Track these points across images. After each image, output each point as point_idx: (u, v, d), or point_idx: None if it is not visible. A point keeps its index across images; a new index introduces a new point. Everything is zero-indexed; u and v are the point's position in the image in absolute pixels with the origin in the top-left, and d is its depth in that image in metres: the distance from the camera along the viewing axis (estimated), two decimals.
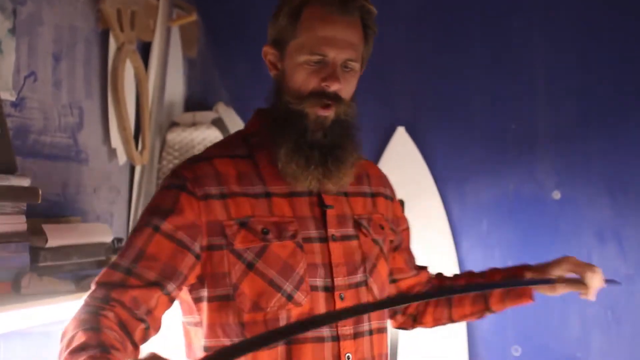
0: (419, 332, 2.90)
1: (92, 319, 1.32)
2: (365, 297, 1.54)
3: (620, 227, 2.93)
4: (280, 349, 1.43)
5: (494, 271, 1.83)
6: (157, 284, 1.41)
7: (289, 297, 1.45)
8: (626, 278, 2.90)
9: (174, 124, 3.03)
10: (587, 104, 2.98)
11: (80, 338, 1.26)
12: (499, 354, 2.99)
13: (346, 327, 1.49)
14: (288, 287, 1.45)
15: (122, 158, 2.67)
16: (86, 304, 1.39)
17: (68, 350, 1.26)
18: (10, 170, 1.88)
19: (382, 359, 1.58)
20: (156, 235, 1.44)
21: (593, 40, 2.98)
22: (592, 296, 1.71)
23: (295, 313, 1.45)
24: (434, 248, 3.05)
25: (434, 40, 3.17)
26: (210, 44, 3.22)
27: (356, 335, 1.50)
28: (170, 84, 3.03)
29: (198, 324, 1.52)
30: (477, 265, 3.00)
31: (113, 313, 1.36)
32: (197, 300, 1.51)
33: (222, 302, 1.46)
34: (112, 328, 1.32)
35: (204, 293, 1.49)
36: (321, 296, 1.48)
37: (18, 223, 1.87)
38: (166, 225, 1.45)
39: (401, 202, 3.03)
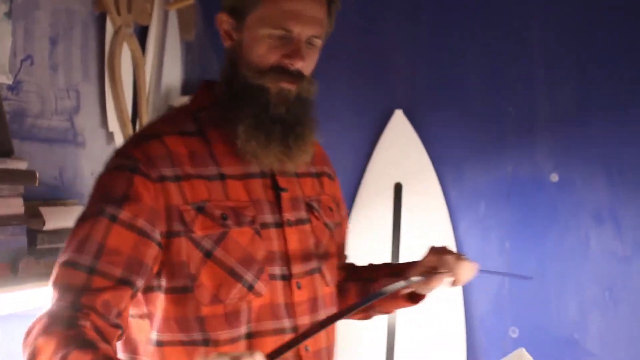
0: (416, 314, 2.92)
1: (77, 334, 1.19)
2: (320, 285, 1.47)
3: (617, 208, 2.93)
4: (241, 344, 1.34)
5: (378, 267, 1.72)
6: (125, 282, 1.28)
7: (250, 288, 1.35)
8: (624, 259, 2.91)
9: (171, 108, 3.03)
10: (585, 87, 2.98)
11: (81, 358, 1.15)
12: (497, 336, 3.00)
13: (304, 317, 1.41)
14: (249, 276, 1.35)
15: (119, 141, 2.67)
16: (56, 315, 1.23)
17: None
18: (7, 153, 1.88)
19: (332, 348, 1.51)
20: (114, 226, 1.30)
21: (592, 22, 2.97)
22: (461, 283, 1.58)
23: (256, 304, 1.36)
24: (432, 230, 3.06)
25: (432, 23, 3.16)
26: (208, 28, 3.21)
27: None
28: (168, 67, 3.02)
29: (144, 317, 1.39)
30: (475, 247, 3.01)
31: (89, 322, 1.23)
32: (147, 290, 1.37)
33: (180, 294, 1.34)
34: (98, 339, 1.21)
35: (158, 283, 1.36)
36: (279, 285, 1.39)
37: (15, 206, 1.88)
38: (124, 214, 1.30)
39: (399, 185, 3.04)
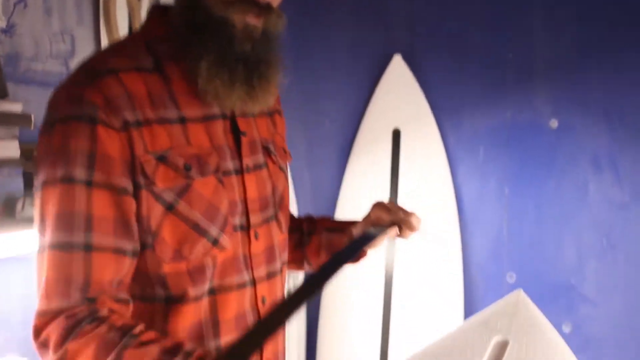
0: (414, 259, 2.94)
1: (109, 328, 1.11)
2: (275, 232, 1.39)
3: (616, 155, 2.93)
4: (204, 301, 1.25)
5: (323, 219, 1.63)
6: (120, 251, 1.17)
7: (215, 242, 1.24)
8: (622, 206, 2.91)
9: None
10: (586, 32, 2.94)
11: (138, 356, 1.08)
12: (494, 281, 3.02)
13: (261, 269, 1.34)
14: (214, 230, 1.24)
15: None
16: (72, 312, 1.13)
17: None
18: (1, 95, 1.87)
19: (283, 296, 1.45)
20: (93, 192, 1.15)
21: None
22: (407, 236, 1.52)
23: (220, 259, 1.26)
24: (430, 177, 3.05)
25: None
26: None
27: (269, 276, 1.36)
28: None
29: None
30: (474, 193, 3.01)
31: (107, 309, 1.14)
32: None
33: (140, 250, 1.22)
34: (131, 326, 1.12)
35: None
36: (238, 236, 1.29)
37: (11, 149, 1.86)
38: (98, 176, 1.15)
39: (397, 131, 3.02)
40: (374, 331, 3.01)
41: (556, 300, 2.91)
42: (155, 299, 1.22)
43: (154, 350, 1.07)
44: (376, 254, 2.99)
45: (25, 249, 1.90)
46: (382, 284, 2.99)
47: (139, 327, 1.11)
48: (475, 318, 1.64)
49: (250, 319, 1.30)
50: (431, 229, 3.01)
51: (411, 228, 1.47)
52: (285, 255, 1.44)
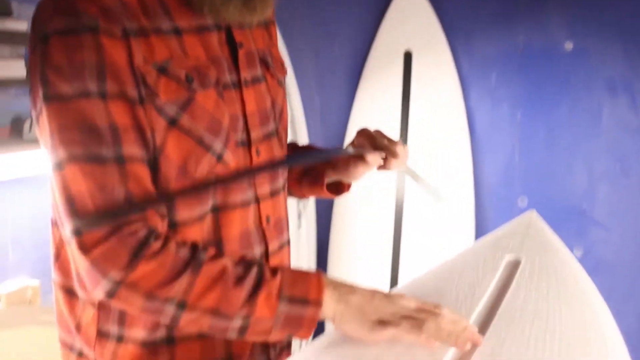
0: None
1: (186, 251, 1.10)
2: (276, 148, 1.35)
3: (632, 79, 2.88)
4: (207, 218, 1.21)
5: (306, 147, 1.58)
6: (145, 161, 1.13)
7: (219, 157, 1.20)
8: (637, 131, 2.88)
9: None
10: None
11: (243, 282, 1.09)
12: (505, 205, 3.01)
13: (264, 186, 1.30)
14: (218, 145, 1.20)
15: None
16: (139, 235, 1.09)
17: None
18: (5, 13, 1.83)
19: (287, 219, 1.41)
20: (110, 103, 1.10)
21: None
22: (392, 167, 1.44)
23: (222, 175, 1.22)
24: (442, 101, 3.02)
25: None
26: None
27: (273, 194, 1.32)
28: None
29: None
30: (486, 118, 2.98)
31: (161, 227, 1.12)
32: None
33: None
34: (194, 242, 1.13)
35: None
36: (240, 153, 1.25)
37: (17, 68, 1.84)
38: (111, 86, 1.09)
39: (409, 54, 2.98)
40: (385, 253, 3.02)
41: (567, 225, 2.90)
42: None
43: (227, 262, 1.11)
44: (387, 178, 2.99)
45: (34, 170, 1.90)
46: (393, 207, 2.99)
47: (198, 244, 1.13)
48: (487, 238, 1.63)
49: (255, 238, 1.27)
50: (442, 154, 2.99)
51: (394, 155, 1.40)
52: (286, 173, 1.41)
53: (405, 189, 2.96)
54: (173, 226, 1.17)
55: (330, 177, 1.48)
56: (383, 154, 1.40)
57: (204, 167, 1.18)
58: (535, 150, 2.98)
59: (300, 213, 3.03)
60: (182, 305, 1.09)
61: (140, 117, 1.12)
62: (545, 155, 2.96)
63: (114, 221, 1.07)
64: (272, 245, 1.30)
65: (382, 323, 1.06)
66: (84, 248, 1.07)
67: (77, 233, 1.07)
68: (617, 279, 2.87)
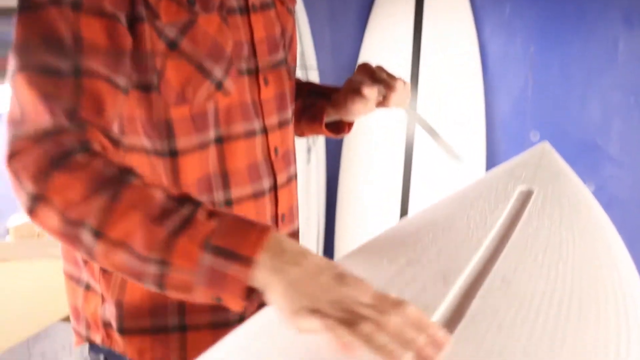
0: (436, 117, 2.88)
1: (105, 164, 0.95)
2: (285, 78, 1.30)
3: None
4: (211, 150, 1.16)
5: (307, 83, 1.52)
6: (114, 83, 1.04)
7: (219, 85, 1.15)
8: None
9: None
10: None
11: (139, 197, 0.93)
12: (517, 139, 2.97)
13: (273, 117, 1.26)
14: (218, 72, 1.15)
15: None
16: (60, 138, 0.96)
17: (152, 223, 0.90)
18: None
19: (294, 151, 1.37)
20: (82, 16, 1.01)
21: None
22: (391, 104, 1.38)
23: (223, 105, 1.17)
24: (455, 34, 2.96)
25: None
26: None
27: (281, 125, 1.28)
28: None
29: None
30: (499, 51, 2.92)
31: (98, 144, 0.99)
32: None
33: (146, 93, 1.11)
34: (130, 166, 0.97)
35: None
36: (246, 81, 1.21)
37: None
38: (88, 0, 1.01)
39: None
40: (395, 188, 3.00)
41: (580, 160, 2.86)
42: (159, 152, 1.13)
43: (158, 194, 0.92)
44: (397, 115, 2.95)
45: None
46: (403, 142, 2.96)
47: (140, 172, 0.98)
48: (499, 169, 1.61)
49: (263, 170, 1.23)
50: (454, 89, 2.95)
51: (392, 89, 1.35)
52: (294, 104, 1.37)
53: (416, 126, 2.93)
54: (174, 154, 1.13)
55: (329, 116, 1.44)
56: (382, 90, 1.35)
57: (202, 94, 1.14)
58: (549, 84, 2.93)
59: (309, 148, 3.01)
60: (97, 233, 0.92)
61: (119, 41, 1.05)
62: (559, 89, 2.91)
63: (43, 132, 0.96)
64: (281, 178, 1.27)
65: (313, 310, 0.80)
66: (8, 157, 0.97)
67: (10, 140, 0.97)
68: (629, 215, 2.84)
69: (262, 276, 0.85)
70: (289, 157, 1.31)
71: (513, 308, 0.86)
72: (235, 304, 0.88)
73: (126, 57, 1.06)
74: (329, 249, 3.21)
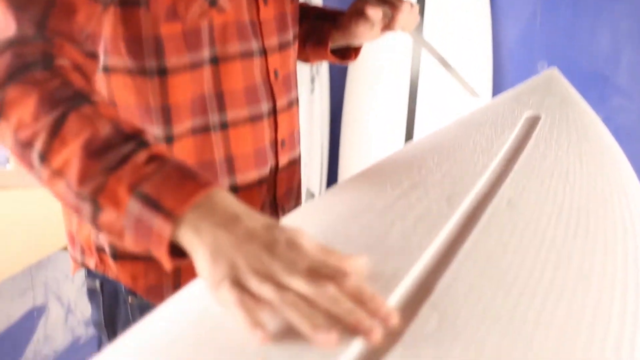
0: (440, 42, 2.83)
1: (61, 83, 0.86)
2: (288, 0, 1.27)
3: None
4: (206, 71, 1.12)
5: (313, 7, 1.47)
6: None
7: (213, 2, 1.10)
8: None
9: None
10: None
11: (80, 124, 0.83)
12: (524, 69, 2.92)
13: (272, 38, 1.21)
14: None
15: None
16: (21, 49, 0.88)
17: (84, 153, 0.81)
18: None
19: (296, 74, 1.33)
20: None
21: None
22: (398, 27, 1.34)
23: (219, 23, 1.12)
24: None
25: None
26: None
27: (281, 47, 1.24)
28: None
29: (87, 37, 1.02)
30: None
31: (66, 59, 0.90)
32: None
33: (132, 7, 1.04)
34: (89, 89, 0.88)
35: None
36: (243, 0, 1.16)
37: None
38: None
39: None
40: (400, 117, 2.97)
41: (588, 91, 2.82)
42: (146, 71, 1.08)
43: (106, 126, 0.83)
44: (403, 43, 2.90)
45: None
46: (409, 71, 2.92)
47: (101, 97, 0.89)
48: (506, 94, 1.58)
49: (262, 93, 1.20)
50: (460, 15, 2.89)
51: (397, 9, 1.31)
52: (297, 27, 1.32)
53: (422, 55, 2.88)
54: (162, 73, 1.08)
55: (335, 40, 1.40)
56: (388, 12, 1.31)
57: (195, 11, 1.09)
58: (558, 13, 2.86)
59: (313, 77, 2.97)
60: (42, 158, 0.84)
61: None
62: (568, 18, 2.85)
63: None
64: (281, 102, 1.24)
65: (235, 282, 0.70)
66: None
67: None
68: (636, 147, 2.80)
69: (187, 237, 0.75)
70: (290, 81, 1.28)
71: (518, 229, 0.84)
72: (164, 262, 0.78)
73: None
74: (332, 180, 3.20)
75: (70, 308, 2.50)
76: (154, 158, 0.79)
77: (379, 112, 3.03)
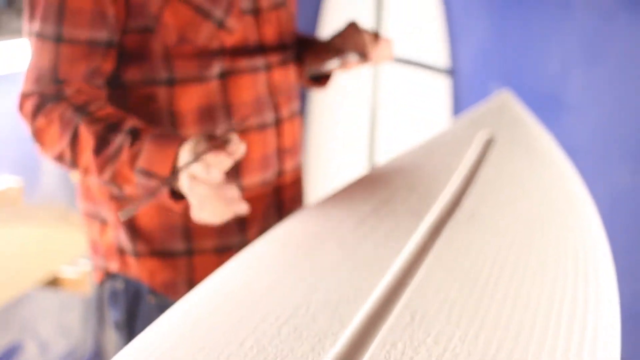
0: (401, 68, 2.91)
1: (68, 105, 1.16)
2: (286, 20, 1.37)
3: None
4: (214, 84, 1.25)
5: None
6: (93, 42, 1.17)
7: (220, 24, 1.22)
8: (609, 15, 2.86)
9: None
10: None
11: (87, 129, 1.12)
12: (479, 91, 3.02)
13: (275, 54, 1.33)
14: (218, 12, 1.21)
15: None
16: (42, 92, 1.18)
17: (95, 153, 1.12)
18: None
19: (296, 85, 1.43)
20: None
21: None
22: (374, 61, 1.38)
23: (229, 43, 1.24)
24: None
25: None
26: None
27: (283, 62, 1.35)
28: None
29: None
30: (461, 3, 2.95)
31: (73, 89, 1.18)
32: None
33: (143, 34, 1.20)
34: (87, 101, 1.17)
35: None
36: (249, 21, 1.27)
37: None
38: None
39: None
40: (361, 144, 3.04)
41: (540, 111, 2.90)
42: (157, 81, 1.22)
43: (99, 127, 1.12)
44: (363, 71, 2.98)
45: (12, 67, 1.89)
46: (370, 97, 3.00)
47: (96, 104, 1.15)
48: (462, 117, 1.66)
49: (267, 104, 1.31)
50: (417, 44, 2.98)
51: (378, 44, 1.35)
52: (295, 44, 1.43)
53: (381, 80, 2.96)
54: (171, 83, 1.22)
55: (309, 66, 1.46)
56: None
57: (204, 35, 1.21)
58: (510, 35, 2.96)
59: None
60: (72, 164, 1.17)
61: (103, 1, 1.16)
62: (519, 39, 2.95)
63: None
64: (284, 113, 1.35)
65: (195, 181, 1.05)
66: (19, 108, 1.21)
67: (18, 96, 1.21)
68: (587, 165, 2.90)
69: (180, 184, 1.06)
70: (291, 93, 1.39)
71: (479, 238, 0.93)
72: (172, 206, 1.10)
73: (109, 14, 1.17)
74: None
75: (47, 345, 2.51)
76: (136, 138, 1.09)
77: (341, 139, 3.10)
